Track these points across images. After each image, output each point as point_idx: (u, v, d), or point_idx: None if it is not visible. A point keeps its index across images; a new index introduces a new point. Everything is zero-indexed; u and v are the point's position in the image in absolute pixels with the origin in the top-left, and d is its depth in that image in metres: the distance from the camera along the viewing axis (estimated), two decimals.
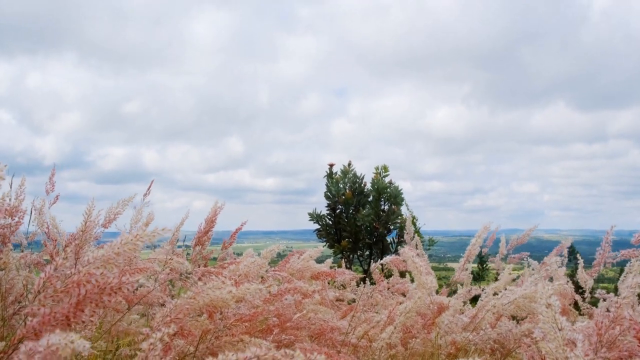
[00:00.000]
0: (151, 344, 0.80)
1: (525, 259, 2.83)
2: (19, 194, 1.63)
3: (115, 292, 0.79)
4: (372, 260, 6.56)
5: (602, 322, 1.31)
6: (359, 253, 6.60)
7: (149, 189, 2.04)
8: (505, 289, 1.70)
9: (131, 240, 0.91)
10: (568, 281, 1.94)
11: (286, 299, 1.54)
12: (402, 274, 2.50)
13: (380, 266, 1.84)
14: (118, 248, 0.90)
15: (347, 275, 1.87)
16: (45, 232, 1.80)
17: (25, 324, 0.76)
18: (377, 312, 2.17)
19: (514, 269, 2.70)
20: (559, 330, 1.01)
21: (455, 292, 2.07)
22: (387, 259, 1.74)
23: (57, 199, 1.87)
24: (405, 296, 2.28)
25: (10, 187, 1.67)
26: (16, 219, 1.59)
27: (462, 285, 2.02)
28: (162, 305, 1.55)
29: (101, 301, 0.78)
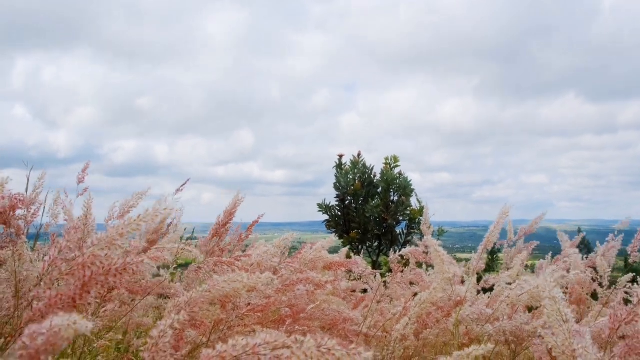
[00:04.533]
0: (161, 331, 0.77)
1: (532, 249, 2.82)
2: (37, 187, 1.63)
3: (121, 273, 0.80)
4: (380, 252, 6.56)
5: (615, 317, 1.29)
6: (367, 244, 6.59)
7: (182, 185, 2.04)
8: (517, 278, 1.68)
9: (134, 221, 0.91)
10: (586, 270, 1.93)
11: (298, 289, 1.53)
12: (419, 265, 2.49)
13: (400, 257, 1.82)
14: (122, 229, 0.89)
15: (361, 267, 1.85)
16: (65, 221, 1.81)
17: (32, 307, 0.76)
18: (390, 302, 2.16)
19: (528, 260, 2.68)
20: (564, 322, 0.99)
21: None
22: (407, 249, 1.72)
23: (85, 191, 1.86)
24: (416, 284, 2.26)
25: (28, 180, 1.67)
26: (32, 211, 1.60)
27: (473, 275, 2.00)
28: (170, 296, 1.54)
29: (107, 282, 0.79)
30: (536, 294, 1.50)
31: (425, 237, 1.64)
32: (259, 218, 2.12)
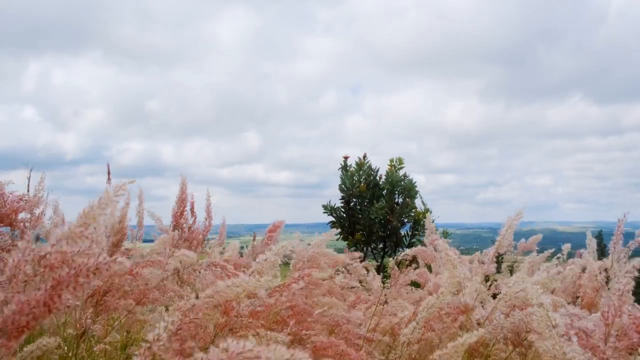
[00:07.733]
0: (156, 334, 0.75)
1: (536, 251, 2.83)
2: (38, 190, 1.63)
3: (94, 273, 0.72)
4: (385, 254, 6.52)
5: (607, 312, 1.29)
6: (372, 246, 6.55)
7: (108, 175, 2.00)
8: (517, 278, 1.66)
9: (93, 209, 0.80)
10: (600, 272, 1.91)
11: (294, 286, 1.49)
12: (429, 268, 2.46)
13: (405, 259, 1.77)
14: (83, 219, 0.78)
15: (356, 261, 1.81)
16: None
17: (3, 312, 0.69)
18: (387, 302, 2.14)
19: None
20: (553, 327, 1.01)
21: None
22: (413, 249, 1.69)
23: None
24: (421, 287, 2.24)
25: (29, 181, 1.68)
26: (36, 214, 1.60)
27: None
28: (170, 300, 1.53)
29: (77, 284, 0.71)
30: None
31: (432, 238, 1.62)
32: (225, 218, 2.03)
